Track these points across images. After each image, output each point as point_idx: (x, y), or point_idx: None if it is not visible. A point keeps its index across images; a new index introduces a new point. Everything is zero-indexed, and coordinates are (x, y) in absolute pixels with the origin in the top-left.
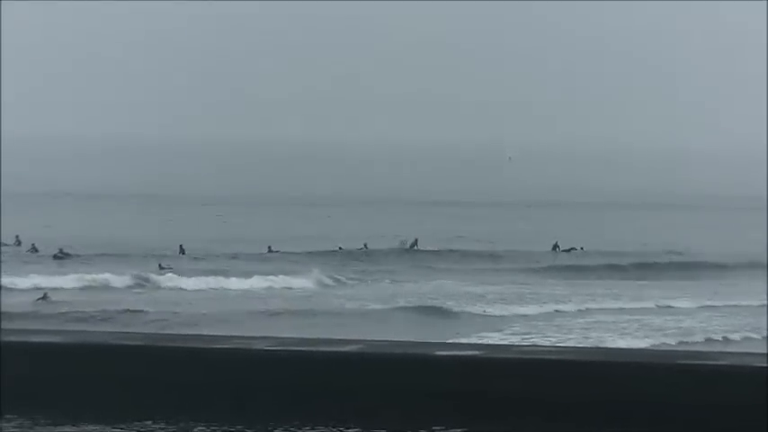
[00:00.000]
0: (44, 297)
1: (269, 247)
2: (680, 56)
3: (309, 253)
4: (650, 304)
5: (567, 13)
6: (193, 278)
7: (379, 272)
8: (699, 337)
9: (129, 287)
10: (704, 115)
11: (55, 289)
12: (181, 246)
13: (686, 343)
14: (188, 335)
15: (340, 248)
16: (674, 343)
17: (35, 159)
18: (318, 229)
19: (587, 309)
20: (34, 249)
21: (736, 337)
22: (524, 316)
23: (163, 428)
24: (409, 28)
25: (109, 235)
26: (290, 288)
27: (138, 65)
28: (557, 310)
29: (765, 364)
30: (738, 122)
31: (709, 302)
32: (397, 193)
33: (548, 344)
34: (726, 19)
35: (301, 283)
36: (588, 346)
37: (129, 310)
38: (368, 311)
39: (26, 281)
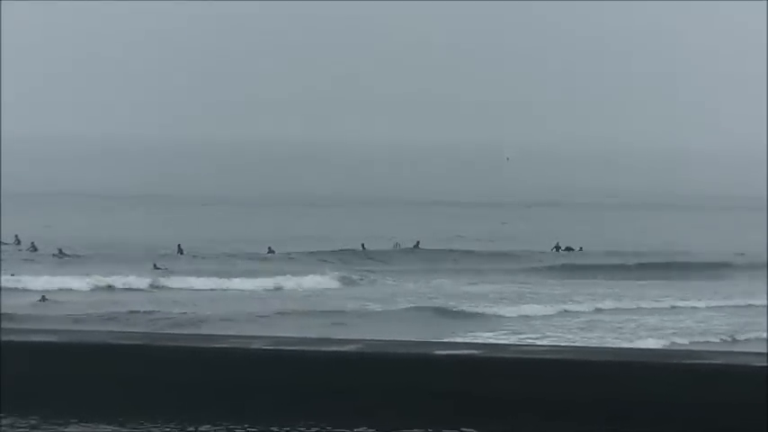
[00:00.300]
0: (42, 299)
1: (269, 248)
2: (680, 56)
3: (311, 253)
4: (664, 305)
5: (567, 13)
6: (193, 278)
7: (383, 272)
8: (712, 338)
9: (127, 288)
10: (704, 115)
11: (53, 290)
12: (179, 245)
13: (699, 343)
14: (187, 334)
15: (340, 249)
16: (687, 343)
17: (35, 159)
18: (317, 230)
19: (597, 309)
20: (34, 248)
21: (749, 336)
22: (543, 316)
23: (160, 428)
24: (409, 28)
25: (108, 235)
26: (295, 289)
27: (138, 65)
28: (566, 310)
29: (765, 364)
30: (738, 122)
31: (715, 303)
32: (396, 193)
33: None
34: (725, 19)
35: (307, 283)
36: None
37: (134, 311)
38: (386, 312)
39: (25, 281)
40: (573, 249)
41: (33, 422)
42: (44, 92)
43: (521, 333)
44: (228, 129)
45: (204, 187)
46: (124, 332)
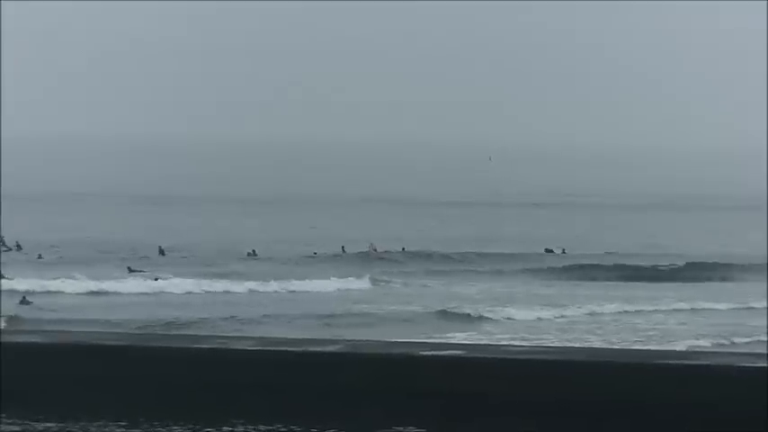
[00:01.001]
0: (24, 300)
1: (252, 250)
2: (677, 56)
3: (297, 256)
4: (685, 306)
5: (566, 14)
6: (164, 282)
7: (365, 275)
8: (720, 339)
9: (97, 292)
10: (703, 115)
11: (33, 292)
12: (160, 247)
13: (722, 345)
14: (173, 335)
15: (315, 254)
16: (709, 345)
17: (33, 160)
18: (303, 231)
19: (624, 311)
20: (18, 248)
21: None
22: (557, 319)
23: (146, 427)
24: (400, 29)
25: (98, 236)
26: (271, 292)
27: (138, 66)
28: (591, 313)
29: (765, 364)
30: (737, 123)
31: (720, 306)
32: (380, 193)
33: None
34: (725, 19)
35: (287, 287)
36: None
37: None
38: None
39: (6, 282)
40: (553, 251)
41: (21, 421)
42: (40, 93)
43: (535, 336)
44: (222, 128)
45: (199, 187)
46: (108, 333)
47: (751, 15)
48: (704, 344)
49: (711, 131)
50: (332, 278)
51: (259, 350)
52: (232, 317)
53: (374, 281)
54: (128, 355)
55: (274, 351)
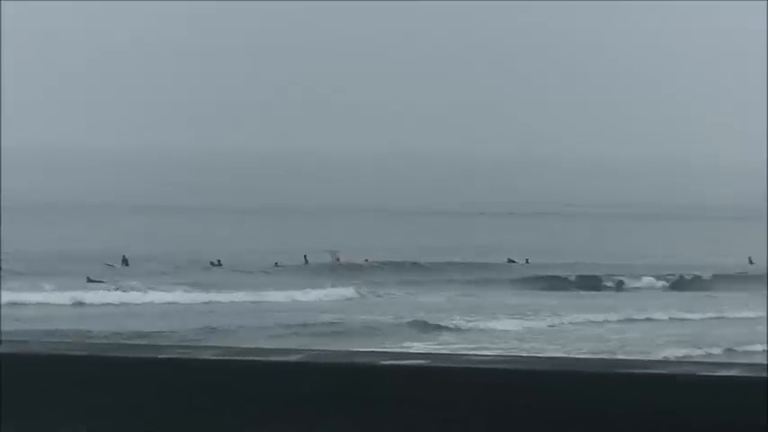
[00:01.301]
0: None
1: (217, 260)
2: (678, 56)
3: (265, 265)
4: (657, 316)
5: (566, 14)
6: (120, 293)
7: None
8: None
9: (46, 303)
10: (703, 116)
11: None
12: (123, 257)
13: (695, 354)
14: (133, 344)
15: (276, 264)
16: (681, 354)
17: (27, 169)
18: (270, 241)
19: (590, 321)
20: None
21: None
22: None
23: None
24: (396, 30)
25: (63, 246)
26: (230, 302)
27: (138, 66)
28: (557, 323)
29: (765, 375)
30: (737, 123)
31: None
32: (384, 204)
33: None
34: (725, 19)
35: (241, 297)
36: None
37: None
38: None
39: None
40: (515, 262)
41: None
42: (40, 99)
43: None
44: (222, 132)
45: (185, 197)
46: (67, 342)
47: (751, 15)
48: (676, 353)
49: (711, 131)
50: (324, 288)
51: (219, 360)
52: (205, 327)
53: (359, 291)
54: (86, 364)
55: (235, 360)
